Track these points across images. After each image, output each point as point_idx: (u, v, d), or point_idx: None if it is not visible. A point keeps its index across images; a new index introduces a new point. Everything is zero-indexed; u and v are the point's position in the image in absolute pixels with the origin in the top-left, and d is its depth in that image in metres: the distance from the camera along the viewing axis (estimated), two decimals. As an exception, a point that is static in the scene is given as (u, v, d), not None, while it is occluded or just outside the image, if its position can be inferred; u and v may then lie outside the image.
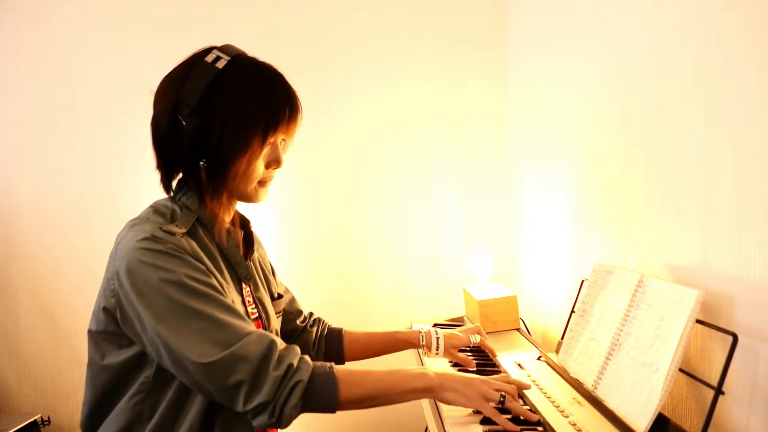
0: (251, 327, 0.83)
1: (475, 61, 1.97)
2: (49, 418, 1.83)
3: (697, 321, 0.85)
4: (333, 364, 0.87)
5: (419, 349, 1.23)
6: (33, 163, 1.94)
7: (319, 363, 0.86)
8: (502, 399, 0.89)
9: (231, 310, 0.83)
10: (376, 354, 1.23)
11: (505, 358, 1.27)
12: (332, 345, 1.22)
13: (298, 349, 0.86)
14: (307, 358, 0.85)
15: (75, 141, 1.93)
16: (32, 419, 1.76)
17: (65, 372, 1.94)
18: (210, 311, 0.80)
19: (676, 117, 0.99)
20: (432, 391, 0.88)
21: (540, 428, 0.90)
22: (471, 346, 1.23)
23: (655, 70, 1.05)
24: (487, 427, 0.88)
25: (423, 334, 1.21)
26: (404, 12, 1.95)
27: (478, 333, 1.26)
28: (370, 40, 1.95)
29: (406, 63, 1.96)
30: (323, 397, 0.83)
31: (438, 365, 1.25)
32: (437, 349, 1.20)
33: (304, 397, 0.81)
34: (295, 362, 0.82)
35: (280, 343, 0.84)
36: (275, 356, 0.81)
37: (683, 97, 0.96)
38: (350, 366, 1.25)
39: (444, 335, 1.21)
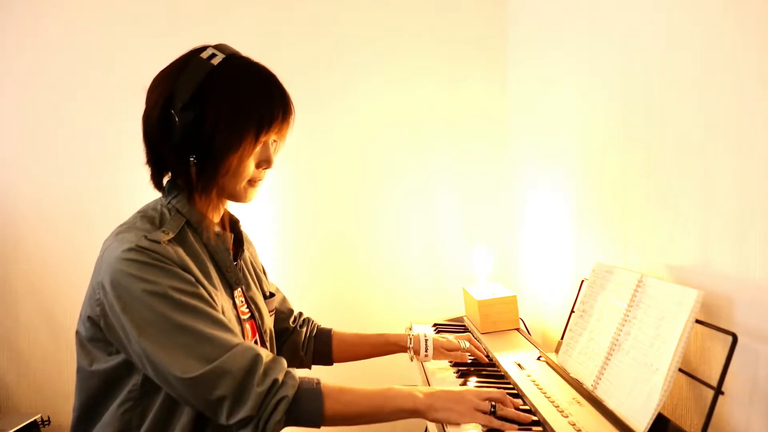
0: (237, 339, 0.82)
1: (475, 61, 1.97)
2: (49, 418, 1.83)
3: (697, 321, 0.85)
4: (320, 379, 0.86)
5: (408, 353, 1.23)
6: (33, 163, 1.94)
7: (306, 378, 0.86)
8: (492, 409, 0.89)
9: (217, 321, 0.82)
10: (365, 356, 1.23)
11: (505, 358, 1.27)
12: (321, 346, 1.22)
13: (284, 362, 0.85)
14: (293, 372, 0.85)
15: (75, 141, 1.93)
16: (32, 419, 1.76)
17: (65, 372, 1.94)
18: (194, 324, 0.79)
19: (676, 117, 0.99)
20: (421, 412, 0.88)
21: (538, 428, 0.90)
22: (460, 350, 1.23)
23: (655, 70, 1.05)
24: (486, 428, 0.88)
25: (411, 337, 1.21)
26: (404, 12, 1.95)
27: (469, 340, 1.26)
28: (370, 41, 1.95)
29: (406, 63, 1.96)
30: (308, 412, 0.82)
31: (444, 379, 1.23)
32: (426, 351, 1.20)
33: (289, 412, 0.80)
34: (281, 377, 0.82)
35: (267, 356, 0.83)
36: (260, 370, 0.80)
37: (683, 97, 0.96)
38: (345, 368, 1.25)
39: (433, 338, 1.22)
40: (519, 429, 0.88)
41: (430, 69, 1.96)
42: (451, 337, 1.26)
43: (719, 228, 0.88)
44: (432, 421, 0.89)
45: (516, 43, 1.89)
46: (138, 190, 1.86)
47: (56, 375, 1.95)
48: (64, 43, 1.92)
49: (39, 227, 1.94)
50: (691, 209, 0.95)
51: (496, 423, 0.87)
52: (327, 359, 1.22)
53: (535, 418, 0.93)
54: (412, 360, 1.23)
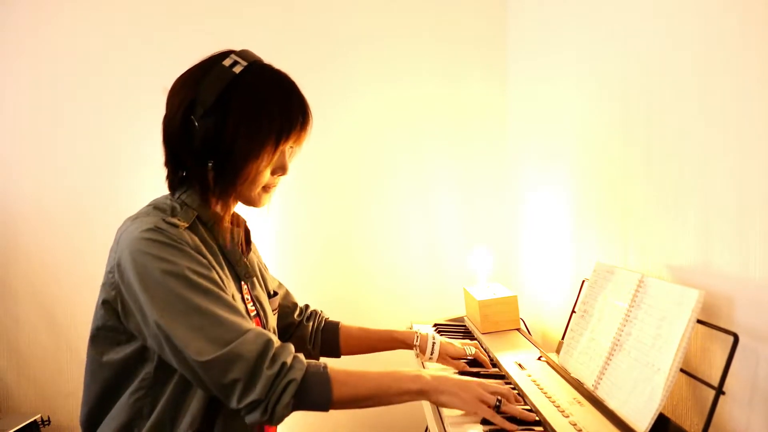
0: (250, 324, 0.83)
1: (475, 61, 1.97)
2: (49, 418, 1.83)
3: (698, 321, 0.85)
4: (327, 363, 0.87)
5: (414, 350, 1.24)
6: (33, 163, 1.94)
7: (313, 362, 0.86)
8: (498, 403, 0.89)
9: (230, 306, 0.83)
10: (371, 350, 1.24)
11: (505, 358, 1.27)
12: (329, 339, 1.23)
13: (292, 347, 0.86)
14: (301, 356, 0.85)
15: (75, 141, 1.93)
16: (32, 419, 1.76)
17: (65, 372, 1.94)
18: (209, 307, 0.81)
19: (676, 117, 0.99)
20: (427, 393, 0.88)
21: (539, 428, 0.90)
22: (467, 357, 1.23)
23: (655, 70, 1.05)
24: (487, 428, 0.88)
25: (419, 335, 1.22)
26: (404, 12, 1.95)
27: (475, 347, 1.27)
28: (370, 41, 1.95)
29: (406, 63, 1.95)
30: (316, 396, 0.83)
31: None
32: (432, 354, 1.21)
33: (297, 395, 0.81)
34: (289, 360, 0.82)
35: (276, 341, 0.84)
36: (270, 354, 0.81)
37: (683, 97, 0.96)
38: (348, 364, 1.26)
39: (441, 342, 1.22)
40: (520, 429, 0.88)
41: (430, 69, 1.96)
42: (458, 343, 1.26)
43: (719, 228, 0.89)
44: (435, 403, 0.90)
45: (516, 43, 1.89)
46: (138, 190, 1.87)
47: (56, 375, 1.95)
48: (64, 43, 1.92)
49: (39, 227, 1.94)
50: (691, 209, 0.95)
51: (498, 419, 0.88)
52: (335, 352, 1.23)
53: (537, 418, 0.93)
54: (418, 357, 1.24)
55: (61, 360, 1.94)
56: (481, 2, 1.95)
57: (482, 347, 1.40)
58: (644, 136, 1.10)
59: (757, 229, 0.81)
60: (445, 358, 1.21)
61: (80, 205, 1.93)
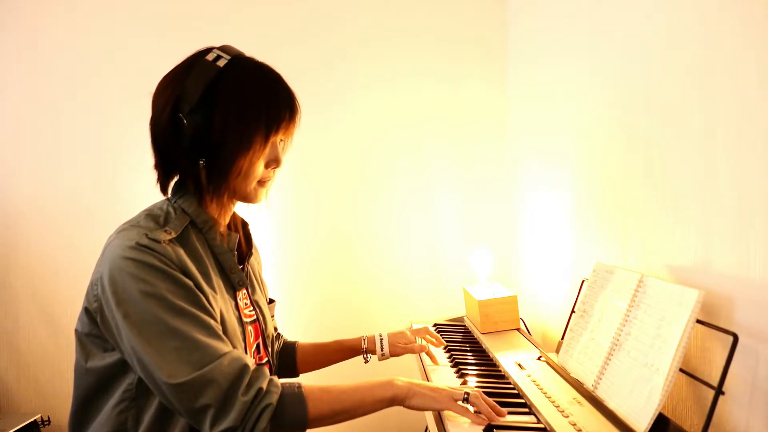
0: (227, 348, 0.82)
1: (475, 61, 1.97)
2: (49, 418, 1.83)
3: (698, 321, 0.85)
4: (301, 383, 0.87)
5: (373, 354, 1.25)
6: (33, 163, 1.94)
7: (287, 383, 0.86)
8: (466, 396, 0.91)
9: (209, 328, 0.81)
10: (326, 364, 1.25)
11: (505, 358, 1.27)
12: (286, 359, 1.23)
13: (267, 371, 0.85)
14: (276, 379, 0.85)
15: (75, 141, 1.93)
16: (32, 419, 1.76)
17: (65, 372, 1.94)
18: (186, 330, 0.79)
19: (675, 117, 0.99)
20: (400, 399, 0.90)
21: (525, 409, 0.90)
22: (418, 347, 1.27)
23: (655, 70, 1.05)
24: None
25: (365, 338, 1.24)
26: (404, 12, 1.95)
27: (427, 333, 1.33)
28: (370, 41, 1.95)
29: (406, 63, 1.96)
30: (292, 417, 0.82)
31: (444, 378, 1.24)
32: (382, 350, 1.23)
33: (273, 419, 0.80)
34: (265, 385, 0.82)
35: (253, 366, 0.83)
36: (246, 380, 0.80)
37: (683, 98, 0.96)
38: (342, 374, 1.26)
39: (388, 334, 1.25)
40: (510, 414, 0.92)
41: (430, 69, 1.96)
42: (408, 332, 1.29)
43: (719, 228, 0.89)
44: (409, 407, 0.91)
45: (516, 43, 1.89)
46: (138, 190, 1.87)
47: (56, 375, 1.95)
48: (65, 43, 1.92)
49: (39, 227, 1.94)
50: (691, 209, 0.95)
51: (471, 415, 0.91)
52: (293, 371, 1.23)
53: (507, 412, 0.94)
54: (367, 362, 1.25)
55: (61, 360, 1.94)
56: (481, 2, 1.96)
57: (482, 347, 1.40)
58: (644, 136, 1.10)
59: (757, 229, 0.81)
60: (398, 347, 1.24)
61: (80, 205, 1.93)
